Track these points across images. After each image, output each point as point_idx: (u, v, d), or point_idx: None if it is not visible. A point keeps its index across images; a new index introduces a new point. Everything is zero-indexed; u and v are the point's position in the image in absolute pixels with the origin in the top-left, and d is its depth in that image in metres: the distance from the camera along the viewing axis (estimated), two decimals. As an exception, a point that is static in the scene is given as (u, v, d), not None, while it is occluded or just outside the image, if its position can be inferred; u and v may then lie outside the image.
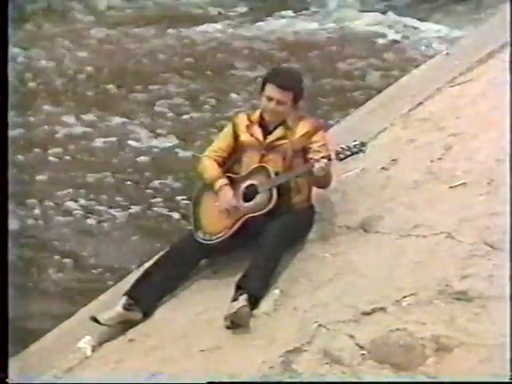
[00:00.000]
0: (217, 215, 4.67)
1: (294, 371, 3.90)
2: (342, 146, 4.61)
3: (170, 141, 8.20)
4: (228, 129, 4.85)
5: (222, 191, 4.68)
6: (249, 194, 4.66)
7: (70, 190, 7.35)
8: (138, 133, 8.35)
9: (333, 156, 4.58)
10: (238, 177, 4.74)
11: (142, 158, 7.92)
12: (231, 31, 10.74)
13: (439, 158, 5.07)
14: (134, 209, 7.12)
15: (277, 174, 4.64)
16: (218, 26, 10.91)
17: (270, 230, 4.51)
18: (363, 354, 3.87)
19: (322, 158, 4.52)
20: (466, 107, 5.55)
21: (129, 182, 7.50)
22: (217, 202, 4.69)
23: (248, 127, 4.76)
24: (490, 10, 10.23)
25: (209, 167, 4.78)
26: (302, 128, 4.70)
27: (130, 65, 9.85)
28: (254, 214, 4.60)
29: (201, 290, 4.68)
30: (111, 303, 4.62)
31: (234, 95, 9.05)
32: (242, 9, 11.54)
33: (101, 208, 7.14)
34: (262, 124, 4.74)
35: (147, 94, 9.08)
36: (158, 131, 8.38)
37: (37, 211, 7.05)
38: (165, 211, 7.10)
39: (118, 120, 8.57)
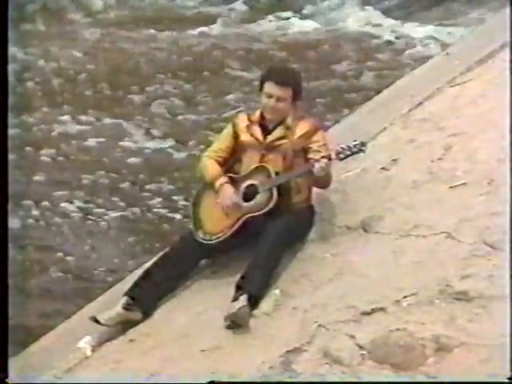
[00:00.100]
0: (217, 215, 4.67)
1: (293, 371, 3.90)
2: (342, 145, 4.61)
3: (166, 142, 8.19)
4: (228, 129, 4.85)
5: (222, 189, 4.68)
6: (249, 194, 4.66)
7: (67, 191, 7.33)
8: (133, 134, 8.34)
9: (333, 156, 4.58)
10: (238, 177, 4.74)
11: (138, 159, 7.91)
12: (227, 32, 10.73)
13: (439, 158, 5.07)
14: (133, 210, 7.12)
15: (277, 173, 4.64)
16: (214, 26, 10.91)
17: (270, 229, 4.51)
18: (363, 354, 3.87)
19: (322, 157, 4.52)
20: (466, 107, 5.55)
21: (125, 184, 7.49)
22: (217, 201, 4.69)
23: (248, 127, 4.76)
24: (483, 9, 10.29)
25: (209, 166, 4.78)
26: (302, 128, 4.70)
27: (126, 66, 9.84)
28: (254, 214, 4.61)
29: (201, 290, 4.68)
30: (111, 303, 4.62)
31: (229, 96, 9.04)
32: (242, 7, 11.53)
33: (99, 210, 7.13)
34: (262, 124, 4.75)
35: (143, 95, 9.06)
36: (154, 132, 8.37)
37: (34, 212, 7.04)
38: (164, 212, 7.09)
39: (113, 121, 8.56)
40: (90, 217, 7.04)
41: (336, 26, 10.83)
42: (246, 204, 4.65)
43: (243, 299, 4.29)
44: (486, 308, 3.93)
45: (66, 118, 8.61)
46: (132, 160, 7.90)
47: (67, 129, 8.42)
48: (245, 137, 4.75)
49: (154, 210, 7.15)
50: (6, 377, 4.07)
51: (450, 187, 4.80)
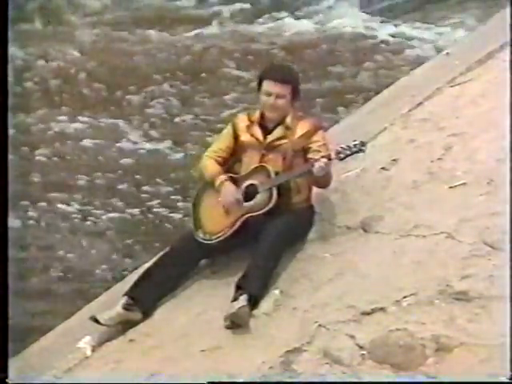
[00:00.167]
0: (217, 215, 4.67)
1: (293, 371, 3.90)
2: (342, 145, 4.61)
3: (163, 143, 8.19)
4: (228, 129, 4.86)
5: (223, 186, 4.68)
6: (249, 194, 4.66)
7: (64, 192, 7.32)
8: (130, 134, 8.34)
9: (333, 156, 4.58)
10: (238, 176, 4.74)
11: (135, 160, 7.90)
12: (224, 32, 10.73)
13: (439, 158, 5.07)
14: (131, 211, 7.11)
15: (277, 173, 4.64)
16: (211, 27, 10.91)
17: (270, 229, 4.51)
18: (363, 354, 3.87)
19: (322, 157, 4.52)
20: (466, 107, 5.54)
21: (123, 184, 7.48)
22: (217, 201, 4.69)
23: (248, 127, 4.76)
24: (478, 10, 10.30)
25: (209, 166, 4.78)
26: (302, 128, 4.70)
27: (124, 66, 9.83)
28: (254, 214, 4.60)
29: (201, 290, 4.68)
30: (111, 303, 4.62)
31: (226, 96, 9.04)
32: (239, 8, 11.52)
33: (97, 211, 7.12)
34: (262, 124, 4.75)
35: (140, 96, 9.05)
36: (151, 133, 8.37)
37: (31, 213, 7.03)
38: (163, 212, 7.09)
39: (110, 121, 8.55)
40: (89, 218, 7.03)
41: (332, 27, 10.83)
42: (245, 204, 4.65)
43: (243, 299, 4.29)
44: (485, 308, 3.93)
45: (63, 118, 8.60)
46: (129, 161, 7.89)
47: (64, 129, 8.40)
48: (245, 137, 4.75)
49: (154, 210, 7.14)
50: (6, 377, 4.07)
51: (450, 187, 4.80)
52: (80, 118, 8.60)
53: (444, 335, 3.84)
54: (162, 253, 4.79)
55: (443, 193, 4.79)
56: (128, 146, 8.14)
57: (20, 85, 9.10)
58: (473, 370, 3.66)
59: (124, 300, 4.54)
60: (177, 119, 8.63)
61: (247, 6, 11.44)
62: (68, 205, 7.17)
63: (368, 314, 4.08)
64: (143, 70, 9.68)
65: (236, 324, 4.26)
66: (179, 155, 7.97)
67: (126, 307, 4.52)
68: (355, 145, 4.61)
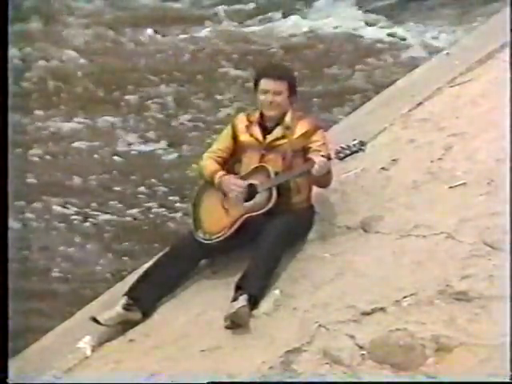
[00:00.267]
0: (217, 215, 4.67)
1: (293, 371, 3.90)
2: (342, 145, 4.61)
3: (159, 144, 8.18)
4: (227, 130, 4.86)
5: (224, 179, 4.68)
6: (249, 194, 4.66)
7: (59, 192, 7.31)
8: (126, 135, 8.33)
9: (332, 155, 4.58)
10: (237, 177, 4.74)
11: (132, 161, 7.90)
12: (219, 33, 10.74)
13: (439, 158, 5.07)
14: (130, 212, 7.11)
15: (276, 173, 4.64)
16: (207, 27, 10.91)
17: (270, 229, 4.51)
18: (363, 354, 3.87)
19: (322, 157, 4.52)
20: (466, 107, 5.55)
21: (120, 186, 7.48)
22: (217, 201, 4.69)
23: (247, 127, 4.76)
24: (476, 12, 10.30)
25: (208, 165, 4.78)
26: (302, 128, 4.70)
27: (120, 67, 9.80)
28: (254, 214, 4.61)
29: (201, 291, 4.67)
30: (111, 303, 4.61)
31: (222, 96, 9.04)
32: (235, 8, 11.52)
33: (94, 212, 7.11)
34: (262, 124, 4.75)
35: (136, 97, 9.04)
36: (147, 134, 8.35)
37: (28, 214, 7.02)
38: (160, 213, 7.08)
39: (106, 122, 8.55)
40: (87, 219, 7.03)
41: (327, 27, 10.83)
42: (245, 204, 4.65)
43: (243, 299, 4.29)
44: (485, 308, 3.93)
45: (58, 118, 8.58)
46: (126, 161, 7.89)
47: (59, 129, 8.40)
48: (244, 137, 4.75)
49: (152, 210, 7.13)
50: (6, 377, 4.07)
51: (450, 187, 4.80)
52: (75, 118, 8.58)
53: (444, 335, 3.84)
54: (161, 253, 4.79)
55: (443, 193, 4.79)
56: (124, 147, 8.13)
57: (17, 85, 9.08)
58: (473, 370, 3.66)
59: (124, 300, 4.54)
60: (173, 120, 8.62)
61: (244, 6, 11.44)
62: (64, 207, 7.15)
63: (368, 314, 4.08)
64: (139, 71, 9.66)
65: (236, 324, 4.26)
66: (175, 156, 7.96)
67: (126, 307, 4.52)
68: (355, 144, 4.61)
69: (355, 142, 4.62)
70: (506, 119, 5.05)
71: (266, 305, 4.36)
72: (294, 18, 11.04)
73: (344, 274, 4.42)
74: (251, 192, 4.65)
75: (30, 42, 10.16)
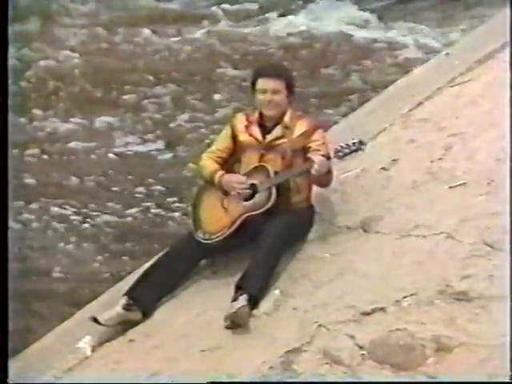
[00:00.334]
0: (216, 215, 4.67)
1: (294, 371, 3.90)
2: (341, 144, 4.61)
3: (156, 144, 8.18)
4: (226, 130, 4.86)
5: (224, 178, 4.68)
6: (248, 193, 4.66)
7: (57, 194, 7.31)
8: (123, 136, 8.33)
9: (332, 154, 4.58)
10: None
11: (128, 161, 7.90)
12: (216, 33, 10.74)
13: (439, 158, 5.07)
14: (128, 212, 7.11)
15: (276, 173, 4.64)
16: (203, 28, 10.92)
17: (270, 229, 4.51)
18: (363, 354, 3.87)
19: (321, 156, 4.52)
20: (466, 107, 5.55)
21: (118, 186, 7.47)
22: (217, 200, 4.69)
23: (247, 127, 4.76)
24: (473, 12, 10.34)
25: (208, 165, 4.78)
26: (301, 127, 4.70)
27: (117, 67, 9.81)
28: (254, 213, 4.61)
29: (201, 291, 4.68)
30: (111, 303, 4.62)
31: (219, 97, 9.04)
32: (232, 8, 11.53)
33: (92, 213, 7.11)
34: (261, 124, 4.75)
35: (133, 97, 9.04)
36: (144, 134, 8.36)
37: (25, 215, 7.02)
38: (159, 213, 7.08)
39: (103, 122, 8.55)
40: (86, 219, 7.02)
41: (324, 27, 10.84)
42: (245, 203, 4.65)
43: (243, 299, 4.29)
44: (485, 308, 3.93)
45: (55, 118, 8.57)
46: (123, 162, 7.88)
47: (56, 130, 8.39)
48: (243, 137, 4.75)
49: (151, 210, 7.13)
50: (6, 377, 4.07)
51: (450, 187, 4.80)
52: (72, 119, 8.58)
53: (444, 335, 3.84)
54: (161, 253, 4.79)
55: (443, 193, 4.79)
56: (121, 147, 8.13)
57: (16, 85, 9.07)
58: (473, 370, 3.66)
59: (124, 300, 4.54)
60: (170, 120, 8.62)
61: (242, 6, 11.45)
62: (61, 207, 7.14)
63: (368, 314, 4.08)
64: (136, 71, 9.66)
65: (236, 324, 4.26)
66: (172, 156, 7.96)
67: (126, 307, 4.52)
68: (354, 143, 4.61)
69: (354, 141, 4.62)
70: (506, 119, 5.06)
71: (266, 305, 4.36)
72: (290, 18, 11.08)
73: (344, 274, 4.42)
74: (251, 191, 4.65)
75: (27, 42, 10.16)
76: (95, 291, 5.43)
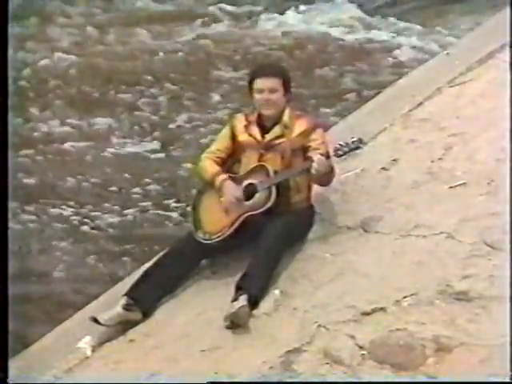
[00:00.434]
0: (216, 215, 4.67)
1: (293, 371, 3.90)
2: (341, 142, 4.61)
3: (152, 144, 8.18)
4: (226, 130, 4.86)
5: (224, 185, 4.68)
6: (248, 193, 4.66)
7: (54, 194, 7.30)
8: (119, 136, 8.33)
9: (331, 153, 4.58)
10: (237, 176, 4.74)
11: (125, 161, 7.90)
12: (212, 33, 10.75)
13: (439, 158, 5.07)
14: (126, 213, 7.11)
15: (276, 172, 4.64)
16: (199, 29, 10.93)
17: (270, 229, 4.51)
18: (363, 354, 3.87)
19: (321, 155, 4.52)
20: (466, 107, 5.55)
21: (114, 187, 7.47)
22: (217, 201, 4.69)
23: (246, 127, 4.76)
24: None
25: (208, 167, 4.79)
26: (300, 126, 4.70)
27: (113, 67, 9.80)
28: (254, 212, 4.61)
29: (201, 291, 4.68)
30: (111, 303, 4.62)
31: (215, 97, 9.05)
32: (229, 8, 11.53)
33: (94, 214, 7.11)
34: (260, 124, 4.75)
35: (129, 97, 9.04)
36: (141, 134, 8.36)
37: (23, 215, 7.02)
38: (157, 213, 7.08)
39: (99, 123, 8.54)
40: (85, 221, 7.02)
41: (318, 28, 10.85)
42: (245, 203, 4.65)
43: (243, 299, 4.29)
44: (486, 308, 3.93)
45: (49, 119, 8.56)
46: (118, 162, 7.88)
47: (52, 130, 8.38)
48: (243, 137, 4.76)
49: (149, 211, 7.13)
50: (6, 377, 4.07)
51: (450, 187, 4.81)
52: (68, 120, 8.58)
53: (444, 335, 3.84)
54: (161, 253, 4.79)
55: (443, 193, 4.79)
56: (117, 147, 8.12)
57: (14, 85, 9.06)
58: (473, 370, 3.66)
59: (124, 300, 4.54)
60: (166, 120, 8.62)
61: (238, 7, 11.47)
62: (59, 207, 7.14)
63: (368, 314, 4.08)
64: (133, 72, 9.66)
65: (236, 324, 4.26)
66: (169, 156, 7.96)
67: (126, 307, 4.52)
68: (353, 142, 4.60)
69: (354, 139, 4.61)
70: (506, 119, 5.06)
71: (266, 305, 4.36)
72: (286, 18, 11.08)
73: (344, 274, 4.42)
74: (251, 191, 4.65)
75: (23, 42, 10.16)
76: (94, 291, 5.42)
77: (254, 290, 4.36)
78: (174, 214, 6.97)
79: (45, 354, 4.68)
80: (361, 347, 3.90)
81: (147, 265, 4.79)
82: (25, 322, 5.54)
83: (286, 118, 4.72)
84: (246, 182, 4.69)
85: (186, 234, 4.84)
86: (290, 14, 11.22)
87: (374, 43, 10.26)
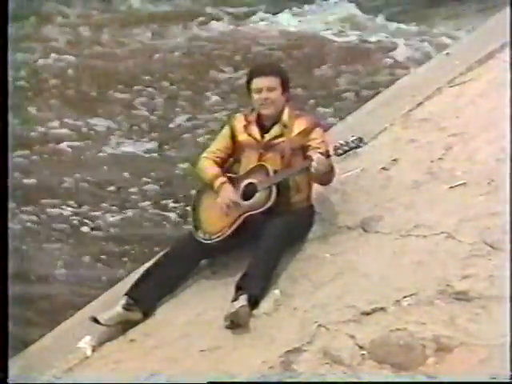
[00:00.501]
0: (216, 215, 4.67)
1: (294, 371, 3.90)
2: (340, 141, 4.60)
3: (150, 144, 8.19)
4: (225, 130, 4.86)
5: (222, 188, 4.68)
6: (248, 193, 4.66)
7: (52, 195, 7.30)
8: (117, 136, 8.33)
9: (331, 152, 4.57)
10: (237, 176, 4.74)
11: (122, 161, 7.89)
12: (210, 33, 10.76)
13: (439, 158, 5.07)
14: (125, 213, 7.10)
15: (275, 171, 4.64)
16: (197, 28, 10.94)
17: (270, 229, 4.51)
18: (363, 354, 3.87)
19: (320, 154, 4.51)
20: (466, 107, 5.55)
21: (112, 187, 7.47)
22: (217, 201, 4.69)
23: (245, 127, 4.76)
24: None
25: (208, 167, 4.79)
26: (299, 126, 4.70)
27: (110, 67, 9.81)
28: (253, 212, 4.61)
29: (201, 290, 4.68)
30: (111, 303, 4.62)
31: (213, 97, 9.05)
32: (228, 8, 11.55)
33: (94, 214, 7.10)
34: (260, 123, 4.75)
35: (126, 97, 9.04)
36: (138, 134, 8.36)
37: (22, 216, 7.01)
38: (156, 213, 7.08)
39: (96, 122, 8.54)
40: (85, 221, 7.02)
41: (316, 27, 10.86)
42: (245, 203, 4.65)
43: (243, 299, 4.29)
44: (485, 308, 3.93)
45: (47, 119, 8.56)
46: (116, 162, 7.88)
47: (50, 130, 8.38)
48: (242, 137, 4.76)
49: (148, 210, 7.13)
50: (6, 377, 4.07)
51: (450, 187, 4.80)
52: (65, 120, 8.58)
53: (444, 335, 3.84)
54: (162, 253, 4.79)
55: (443, 193, 4.79)
56: (114, 147, 8.12)
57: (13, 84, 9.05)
58: (473, 370, 3.65)
59: (124, 300, 4.54)
60: (164, 120, 8.63)
61: (236, 7, 11.48)
62: (58, 208, 7.13)
63: (368, 314, 4.08)
64: (131, 72, 9.67)
65: (236, 324, 4.26)
66: (167, 155, 7.96)
67: (126, 307, 4.52)
68: (353, 140, 4.59)
69: (353, 138, 4.59)
70: (506, 119, 5.05)
71: (266, 305, 4.36)
72: (283, 18, 11.09)
73: (344, 274, 4.42)
74: (251, 191, 4.65)
75: (19, 42, 10.16)
76: (94, 292, 5.42)
77: (254, 289, 4.36)
78: (172, 215, 6.97)
79: (45, 354, 4.68)
80: (361, 347, 3.90)
81: (147, 265, 4.79)
82: (25, 322, 5.54)
83: (285, 117, 4.72)
84: (245, 182, 4.69)
85: (186, 233, 4.84)
86: (288, 15, 11.24)
87: (370, 44, 10.28)
